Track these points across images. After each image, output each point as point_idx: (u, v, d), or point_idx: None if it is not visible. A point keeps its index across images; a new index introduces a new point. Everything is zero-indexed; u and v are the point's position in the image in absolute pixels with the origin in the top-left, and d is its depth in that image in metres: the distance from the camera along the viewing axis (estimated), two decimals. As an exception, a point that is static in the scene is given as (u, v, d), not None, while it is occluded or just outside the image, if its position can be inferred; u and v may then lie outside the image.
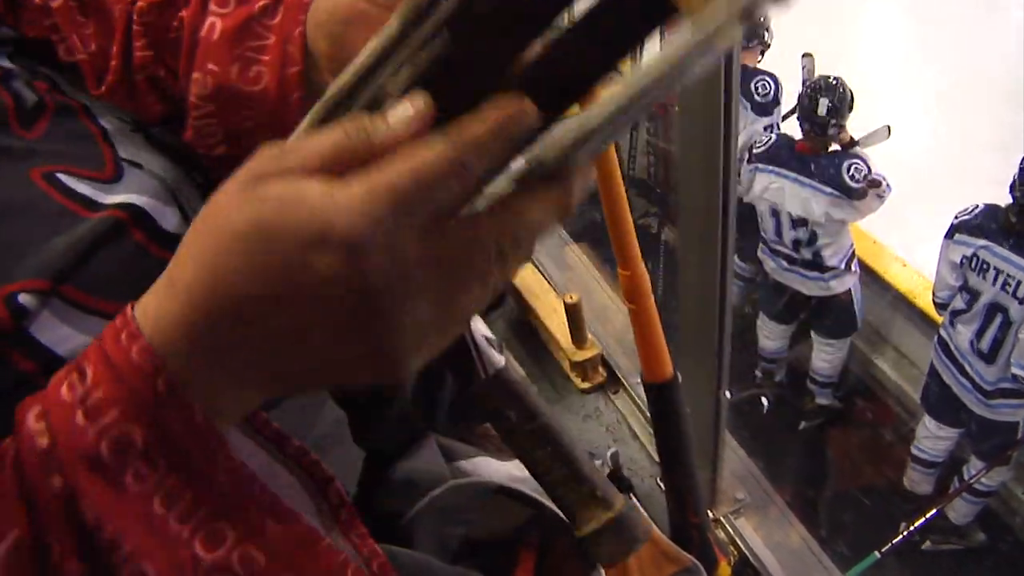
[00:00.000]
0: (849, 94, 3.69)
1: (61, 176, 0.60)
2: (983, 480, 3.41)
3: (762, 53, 4.44)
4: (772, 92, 4.22)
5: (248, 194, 0.37)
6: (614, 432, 2.24)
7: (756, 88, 4.23)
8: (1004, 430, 3.35)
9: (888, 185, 3.59)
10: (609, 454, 1.86)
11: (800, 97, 3.81)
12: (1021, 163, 3.08)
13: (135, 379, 0.39)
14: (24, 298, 0.53)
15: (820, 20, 6.27)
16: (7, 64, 0.65)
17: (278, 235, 0.36)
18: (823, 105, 3.61)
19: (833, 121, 3.66)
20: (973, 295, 3.25)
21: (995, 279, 3.13)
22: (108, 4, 0.68)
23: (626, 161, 4.86)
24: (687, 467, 1.54)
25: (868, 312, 4.15)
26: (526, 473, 1.65)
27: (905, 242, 4.32)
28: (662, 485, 2.02)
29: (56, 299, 0.55)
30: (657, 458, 1.91)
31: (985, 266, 3.16)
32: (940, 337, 3.49)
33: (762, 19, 4.22)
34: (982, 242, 3.17)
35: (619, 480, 1.81)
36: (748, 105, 4.20)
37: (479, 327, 1.02)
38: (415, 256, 0.36)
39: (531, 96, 0.37)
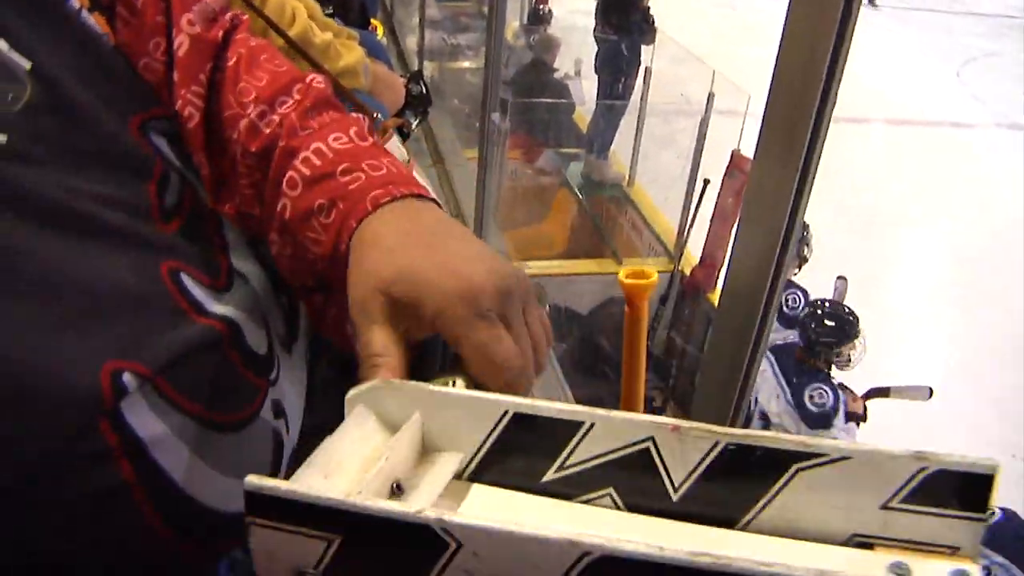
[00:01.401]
0: (852, 328, 3.78)
1: (183, 276, 0.66)
2: None
3: (800, 266, 4.55)
4: (800, 306, 4.31)
5: None
6: None
7: (787, 300, 4.31)
8: None
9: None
10: None
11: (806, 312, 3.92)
12: None
13: None
14: (127, 378, 0.58)
15: (861, 247, 6.46)
16: (166, 151, 0.71)
17: None
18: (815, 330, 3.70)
19: (823, 342, 3.74)
20: None
21: None
22: (227, 134, 0.74)
23: (648, 327, 4.89)
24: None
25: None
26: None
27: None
28: None
29: (150, 387, 0.60)
30: None
31: None
32: None
33: (804, 232, 4.35)
34: (1000, 559, 2.72)
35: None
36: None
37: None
38: None
39: None
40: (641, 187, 5.87)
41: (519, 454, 0.54)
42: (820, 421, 3.66)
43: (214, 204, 0.76)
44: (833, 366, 3.94)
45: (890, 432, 4.20)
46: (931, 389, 3.93)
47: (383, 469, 0.51)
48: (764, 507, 0.50)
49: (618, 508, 0.53)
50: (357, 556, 0.44)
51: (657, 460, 0.51)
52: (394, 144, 1.79)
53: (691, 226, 4.83)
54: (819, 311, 3.94)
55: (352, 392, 0.57)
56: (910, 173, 8.18)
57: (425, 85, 1.95)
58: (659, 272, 4.87)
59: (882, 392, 3.82)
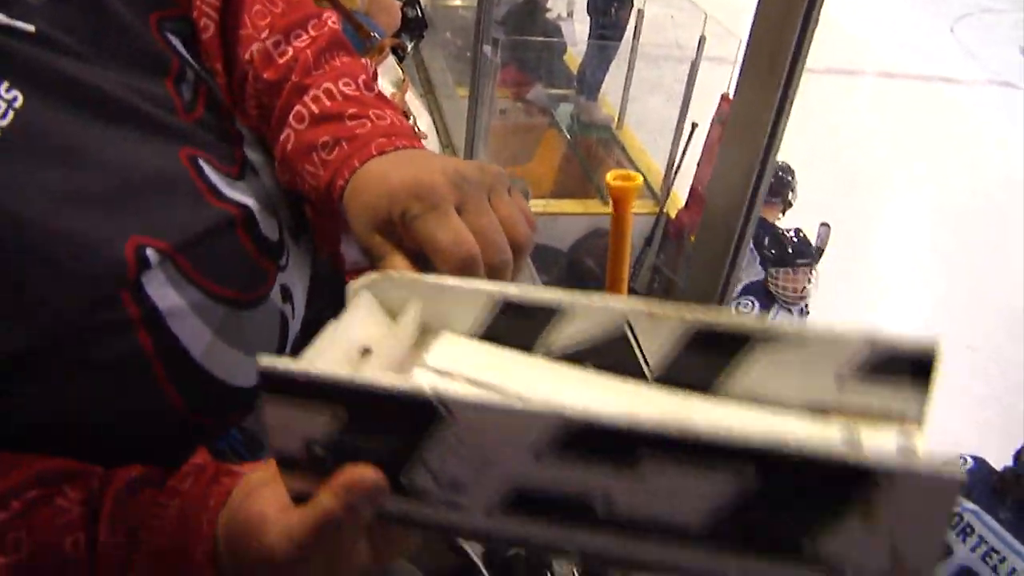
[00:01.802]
0: (789, 257, 4.04)
1: (202, 162, 0.71)
2: None
3: (783, 211, 4.59)
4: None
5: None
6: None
7: (782, 232, 4.37)
8: None
9: None
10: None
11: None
12: None
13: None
14: (150, 252, 0.63)
15: (847, 194, 6.49)
16: (182, 50, 0.75)
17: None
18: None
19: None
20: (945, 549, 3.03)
21: (976, 546, 3.02)
22: (240, 52, 0.79)
23: (631, 268, 4.94)
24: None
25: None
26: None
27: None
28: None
29: (170, 263, 0.65)
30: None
31: (969, 530, 3.05)
32: None
33: (789, 177, 4.39)
34: (971, 506, 3.06)
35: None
36: (757, 257, 4.33)
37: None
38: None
39: None
40: (630, 130, 5.87)
41: (508, 339, 0.59)
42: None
43: (230, 105, 0.80)
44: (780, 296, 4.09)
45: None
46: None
47: (384, 352, 0.56)
48: (729, 382, 0.55)
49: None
50: (360, 426, 0.49)
51: (633, 341, 0.56)
52: (390, 64, 1.81)
53: (678, 169, 4.86)
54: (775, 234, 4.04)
55: (353, 284, 0.61)
56: (900, 127, 8.19)
57: (421, 9, 1.97)
58: (645, 214, 4.93)
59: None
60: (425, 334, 0.61)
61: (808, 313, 4.10)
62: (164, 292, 0.65)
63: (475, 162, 0.66)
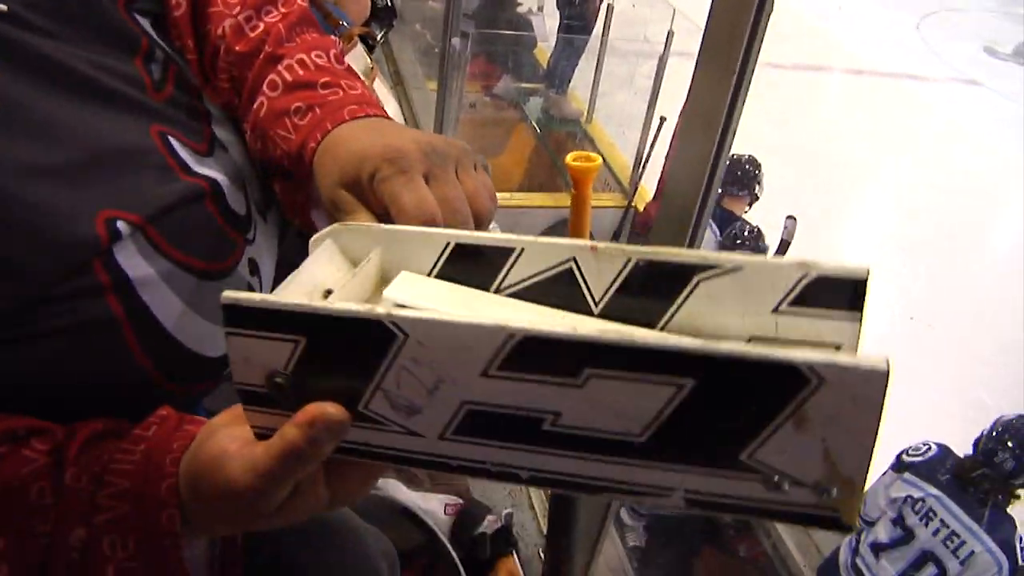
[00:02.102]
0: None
1: (171, 139, 0.73)
2: None
3: (750, 204, 4.62)
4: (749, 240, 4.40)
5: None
6: (515, 497, 2.37)
7: (739, 225, 4.40)
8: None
9: None
10: (504, 512, 1.98)
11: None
12: (994, 421, 3.05)
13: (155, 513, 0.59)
14: (121, 224, 0.65)
15: (814, 188, 6.56)
16: (150, 30, 0.78)
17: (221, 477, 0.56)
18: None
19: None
20: (907, 534, 3.12)
21: (937, 531, 3.03)
22: (211, 28, 0.82)
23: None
24: (568, 551, 1.66)
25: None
26: (430, 504, 1.78)
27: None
28: (543, 556, 2.14)
29: (141, 235, 0.67)
30: (545, 532, 2.03)
31: (932, 515, 3.06)
32: (854, 562, 3.30)
33: (756, 171, 4.44)
34: (934, 491, 3.07)
35: (507, 536, 1.93)
36: (718, 241, 4.34)
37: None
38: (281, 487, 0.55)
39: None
40: (599, 124, 5.91)
41: (461, 280, 0.62)
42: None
43: (201, 83, 0.83)
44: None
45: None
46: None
47: (345, 294, 0.59)
48: (672, 315, 0.57)
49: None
50: (319, 355, 0.52)
51: (579, 277, 0.59)
52: (359, 52, 1.83)
53: (646, 162, 4.90)
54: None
55: (315, 236, 0.64)
56: (867, 123, 8.27)
57: (391, -1, 1.99)
58: (613, 207, 4.97)
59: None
60: (385, 281, 0.63)
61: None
62: (135, 262, 0.67)
63: (444, 136, 0.69)
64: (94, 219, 0.64)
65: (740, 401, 0.43)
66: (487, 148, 5.91)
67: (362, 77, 1.93)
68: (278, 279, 0.89)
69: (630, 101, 5.66)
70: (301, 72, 0.77)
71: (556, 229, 4.99)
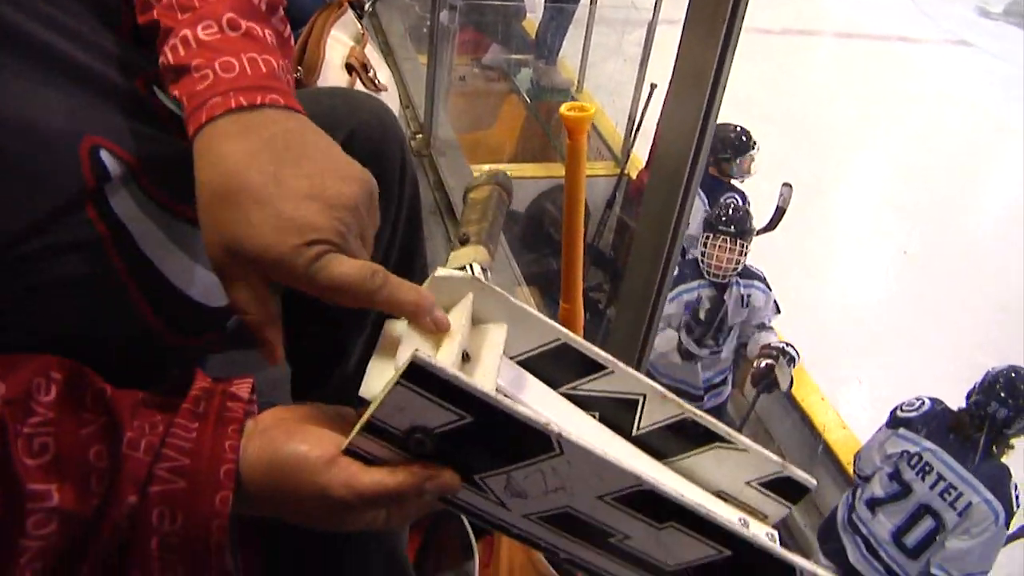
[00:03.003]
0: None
1: (156, 90, 0.71)
2: None
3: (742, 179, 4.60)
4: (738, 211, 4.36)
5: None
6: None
7: (725, 200, 4.38)
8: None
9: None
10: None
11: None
12: (985, 374, 3.11)
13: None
14: (106, 156, 0.64)
15: (808, 153, 6.56)
16: None
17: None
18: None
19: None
20: (904, 488, 3.17)
21: (934, 484, 3.08)
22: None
23: (595, 229, 5.02)
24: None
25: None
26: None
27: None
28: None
29: (132, 180, 0.67)
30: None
31: (927, 468, 3.11)
32: (850, 519, 3.38)
33: (751, 140, 4.43)
34: (929, 445, 3.12)
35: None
36: (706, 207, 4.31)
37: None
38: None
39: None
40: (589, 93, 5.89)
41: (553, 366, 0.72)
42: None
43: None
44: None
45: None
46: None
47: (457, 342, 0.64)
48: (681, 459, 0.73)
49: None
50: (476, 434, 0.57)
51: (639, 409, 0.72)
52: (348, 18, 1.83)
53: (638, 130, 4.89)
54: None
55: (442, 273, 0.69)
56: (858, 87, 8.26)
57: (381, -36, 1.98)
58: (606, 175, 4.96)
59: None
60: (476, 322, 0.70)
61: (730, 291, 4.00)
62: (128, 207, 0.66)
63: (346, 190, 0.63)
64: (77, 145, 0.63)
65: (752, 574, 0.62)
66: (478, 120, 5.90)
67: (353, 43, 1.92)
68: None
69: (620, 69, 5.65)
70: (183, 53, 0.65)
71: (550, 193, 4.99)
